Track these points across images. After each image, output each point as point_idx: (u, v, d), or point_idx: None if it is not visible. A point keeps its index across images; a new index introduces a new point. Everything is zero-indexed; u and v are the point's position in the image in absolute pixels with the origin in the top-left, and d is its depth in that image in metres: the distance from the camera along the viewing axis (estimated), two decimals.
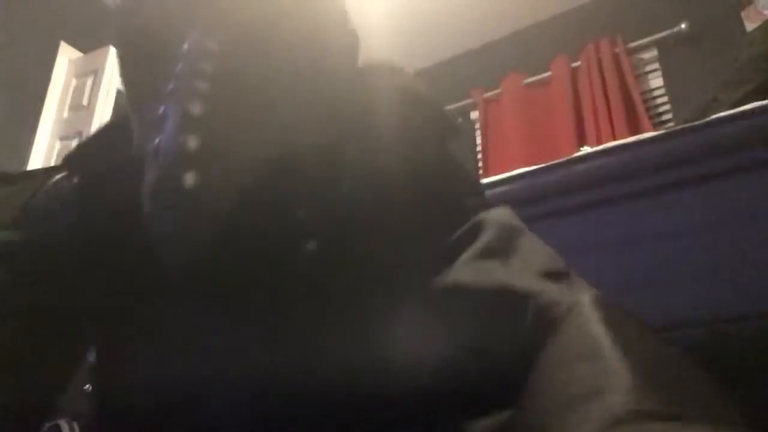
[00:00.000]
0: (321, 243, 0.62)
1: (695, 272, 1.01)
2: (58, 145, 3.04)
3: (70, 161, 0.75)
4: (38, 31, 3.08)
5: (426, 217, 0.64)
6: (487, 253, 0.58)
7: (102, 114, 3.02)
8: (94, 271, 0.67)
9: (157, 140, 0.55)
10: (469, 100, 3.67)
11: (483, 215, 0.62)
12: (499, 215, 0.63)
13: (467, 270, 0.57)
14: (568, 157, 1.25)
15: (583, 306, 0.48)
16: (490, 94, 3.59)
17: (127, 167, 0.61)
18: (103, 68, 3.09)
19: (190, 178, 0.53)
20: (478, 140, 3.60)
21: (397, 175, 0.67)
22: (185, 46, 0.58)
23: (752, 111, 1.11)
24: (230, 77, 0.58)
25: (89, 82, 3.12)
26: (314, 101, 0.64)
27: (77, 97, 3.13)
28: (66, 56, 3.21)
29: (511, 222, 0.62)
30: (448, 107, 3.68)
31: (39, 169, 0.85)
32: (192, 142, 0.54)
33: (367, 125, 0.68)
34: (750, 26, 2.79)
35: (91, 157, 0.74)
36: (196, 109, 0.55)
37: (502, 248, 0.58)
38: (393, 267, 0.63)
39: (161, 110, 0.56)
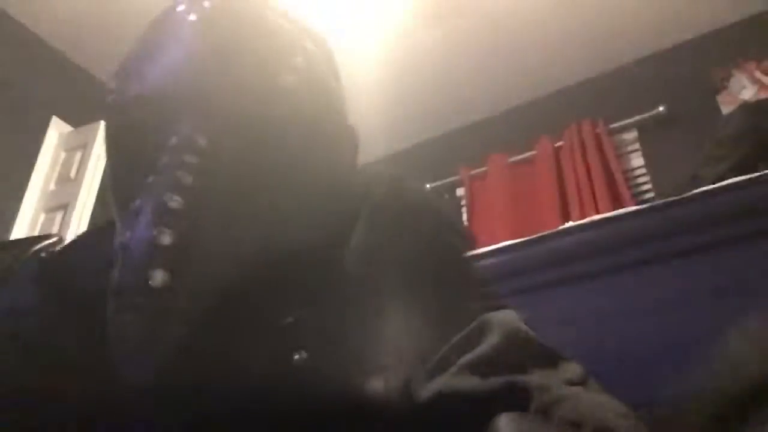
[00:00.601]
0: (311, 354, 0.55)
1: (678, 346, 0.99)
2: (42, 216, 3.03)
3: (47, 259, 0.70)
4: (30, 106, 3.12)
5: (428, 320, 0.60)
6: (487, 361, 0.54)
7: (89, 187, 3.02)
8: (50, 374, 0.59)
9: (128, 234, 0.51)
10: (455, 177, 3.72)
11: (489, 316, 0.59)
12: (505, 318, 0.60)
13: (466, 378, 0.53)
14: (552, 231, 1.25)
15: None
16: (476, 171, 3.65)
17: (99, 267, 0.56)
18: (93, 142, 3.11)
19: (158, 276, 0.49)
20: (464, 217, 3.63)
21: (407, 283, 0.63)
22: (173, 140, 0.55)
23: (731, 186, 1.12)
24: (216, 173, 0.55)
25: (78, 155, 3.13)
26: (308, 200, 0.61)
27: (65, 170, 3.13)
28: (57, 130, 3.24)
29: (516, 326, 0.59)
30: (434, 184, 3.73)
31: (20, 239, 0.82)
32: (165, 238, 0.50)
33: (371, 229, 0.65)
34: (725, 109, 2.90)
35: (70, 255, 0.70)
36: (174, 202, 0.52)
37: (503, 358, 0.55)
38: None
39: (137, 203, 0.52)
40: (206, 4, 0.62)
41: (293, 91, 0.60)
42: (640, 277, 1.10)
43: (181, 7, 0.62)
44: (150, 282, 0.48)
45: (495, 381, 0.52)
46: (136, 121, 0.59)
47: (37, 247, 0.91)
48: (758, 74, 2.99)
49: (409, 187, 0.74)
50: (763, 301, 0.96)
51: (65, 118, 3.28)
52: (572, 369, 0.57)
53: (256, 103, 0.59)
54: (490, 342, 0.56)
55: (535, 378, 0.54)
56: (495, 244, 1.32)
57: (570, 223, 1.36)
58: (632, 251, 1.12)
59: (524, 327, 0.60)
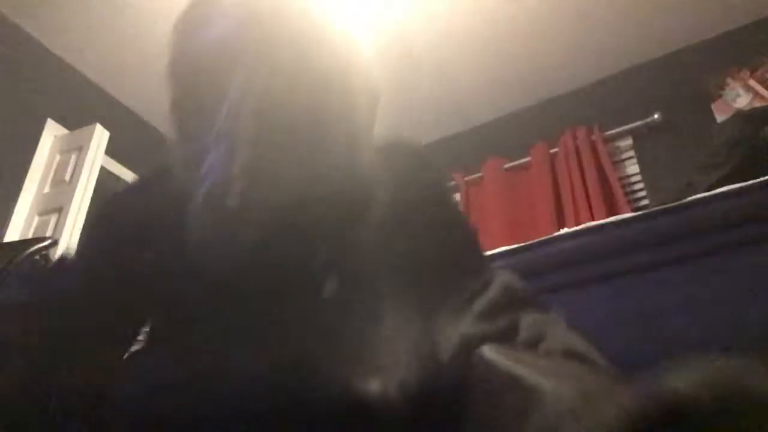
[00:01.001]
0: (340, 280, 0.68)
1: (672, 353, 0.99)
2: (36, 219, 3.01)
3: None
4: (25, 108, 3.11)
5: (443, 276, 0.72)
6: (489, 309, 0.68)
7: (84, 190, 3.01)
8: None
9: (207, 166, 0.65)
10: (451, 183, 3.72)
11: (493, 274, 0.73)
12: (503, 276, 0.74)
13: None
14: (547, 237, 1.25)
15: None
16: (471, 177, 3.66)
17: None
18: (87, 145, 3.10)
19: (233, 200, 0.62)
20: None
21: (428, 234, 0.76)
22: (233, 89, 0.67)
23: (726, 194, 1.13)
24: (271, 117, 0.67)
25: (73, 158, 3.12)
26: (342, 141, 0.72)
27: (60, 173, 3.12)
28: (51, 132, 3.23)
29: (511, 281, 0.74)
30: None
31: (14, 241, 0.89)
32: (237, 170, 0.63)
33: (396, 180, 0.76)
34: (720, 117, 2.91)
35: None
36: (242, 144, 0.65)
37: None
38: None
39: (212, 143, 0.66)
40: None
41: (335, 53, 0.75)
42: (635, 283, 1.10)
43: None
44: (227, 204, 0.62)
45: (499, 322, 0.66)
46: (204, 64, 0.73)
47: (31, 249, 0.97)
48: (752, 83, 3.01)
49: (427, 173, 0.87)
50: (759, 308, 0.96)
51: (60, 121, 3.27)
52: (553, 316, 0.75)
53: (298, 50, 0.71)
54: (490, 293, 0.69)
55: (525, 319, 0.69)
56: (490, 250, 1.32)
57: (565, 230, 1.36)
58: (627, 258, 1.13)
59: (518, 282, 0.75)
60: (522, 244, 1.27)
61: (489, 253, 1.29)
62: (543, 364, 0.60)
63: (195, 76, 0.75)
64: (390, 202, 0.74)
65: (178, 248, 0.67)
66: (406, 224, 0.75)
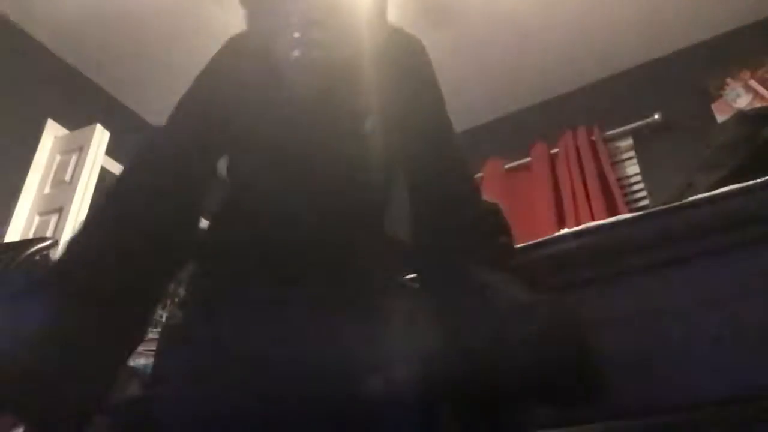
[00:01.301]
0: (376, 121, 1.00)
1: (672, 354, 0.99)
2: (37, 219, 3.01)
3: None
4: (26, 108, 3.12)
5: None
6: None
7: (84, 190, 3.01)
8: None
9: (296, 34, 0.97)
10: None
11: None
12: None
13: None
14: (547, 237, 1.25)
15: None
16: None
17: None
18: (88, 145, 3.10)
19: (316, 53, 0.98)
20: None
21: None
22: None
23: (727, 194, 1.13)
24: (330, 11, 1.00)
25: (73, 158, 3.12)
26: (373, 27, 1.08)
27: (60, 173, 3.12)
28: (52, 133, 3.24)
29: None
30: None
31: (15, 242, 0.93)
32: (317, 35, 0.97)
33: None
34: (720, 117, 2.91)
35: None
36: (317, 16, 0.98)
37: None
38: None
39: (294, 18, 0.98)
40: None
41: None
42: (636, 284, 1.10)
43: None
44: (313, 53, 0.98)
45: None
46: None
47: (32, 249, 1.02)
48: (753, 83, 3.01)
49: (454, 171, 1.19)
50: (759, 308, 0.96)
51: (61, 121, 3.27)
52: None
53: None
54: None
55: None
56: None
57: (565, 230, 1.36)
58: (628, 258, 1.12)
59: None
60: (522, 244, 1.27)
61: None
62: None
63: None
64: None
65: (265, 86, 1.01)
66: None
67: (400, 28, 1.17)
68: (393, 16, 1.22)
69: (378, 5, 1.11)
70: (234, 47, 1.11)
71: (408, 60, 1.12)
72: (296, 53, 0.97)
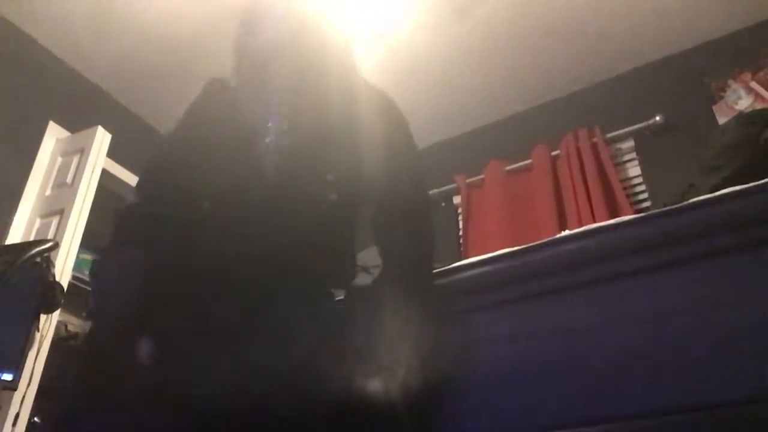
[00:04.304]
0: (339, 196, 1.16)
1: (675, 354, 0.99)
2: (38, 222, 3.01)
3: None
4: (27, 111, 3.12)
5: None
6: None
7: (85, 193, 3.01)
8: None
9: (269, 123, 1.15)
10: (452, 185, 3.72)
11: None
12: None
13: None
14: (549, 239, 1.25)
15: None
16: (472, 179, 3.65)
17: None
18: (89, 147, 3.10)
19: (284, 142, 1.13)
20: (461, 224, 3.63)
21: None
22: (278, 72, 1.19)
23: (728, 196, 1.12)
24: (300, 90, 1.17)
25: (75, 160, 3.12)
26: (343, 105, 1.20)
27: (61, 176, 3.12)
28: (53, 135, 3.24)
29: None
30: (431, 192, 3.73)
31: (16, 244, 1.02)
32: (285, 125, 1.14)
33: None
34: (721, 119, 2.91)
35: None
36: (285, 109, 1.15)
37: None
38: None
39: (269, 108, 1.16)
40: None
41: (330, 47, 1.23)
42: (637, 286, 1.09)
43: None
44: (283, 144, 1.13)
45: None
46: (257, 56, 1.22)
47: (33, 251, 1.11)
48: (754, 84, 3.01)
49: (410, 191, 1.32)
50: (761, 309, 0.96)
51: (62, 123, 3.27)
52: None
53: (314, 53, 1.22)
54: None
55: None
56: (491, 252, 1.32)
57: (567, 232, 1.36)
58: (629, 260, 1.12)
59: None
60: (524, 246, 1.26)
61: (490, 255, 1.29)
62: None
63: (253, 56, 1.21)
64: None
65: (238, 147, 1.16)
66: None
67: (370, 86, 1.32)
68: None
69: (350, 79, 1.26)
70: (217, 97, 1.26)
71: (378, 120, 1.28)
72: (267, 140, 1.13)
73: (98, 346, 1.04)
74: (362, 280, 1.51)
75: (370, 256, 2.34)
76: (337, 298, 1.25)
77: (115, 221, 1.19)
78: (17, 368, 2.18)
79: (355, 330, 1.09)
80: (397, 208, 1.28)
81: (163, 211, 1.14)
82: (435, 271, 1.29)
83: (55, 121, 3.25)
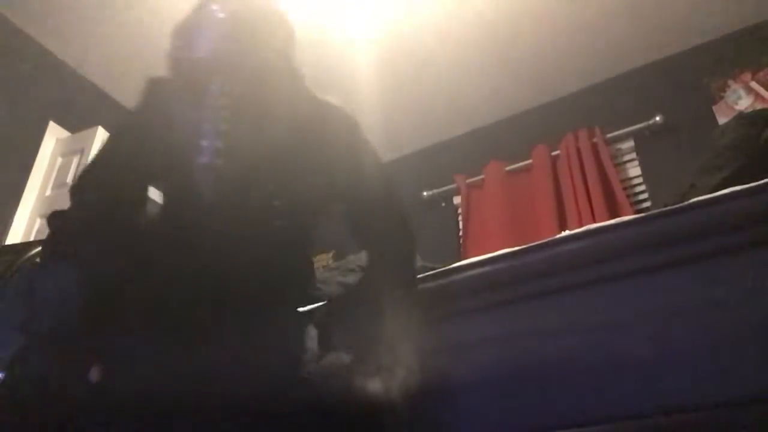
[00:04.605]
0: (284, 222, 1.12)
1: (676, 355, 0.99)
2: (38, 222, 3.01)
3: None
4: (27, 111, 3.12)
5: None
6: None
7: None
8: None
9: (203, 143, 1.07)
10: (452, 186, 3.72)
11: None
12: None
13: None
14: (549, 239, 1.25)
15: None
16: (473, 180, 3.65)
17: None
18: (90, 147, 3.09)
19: (219, 162, 1.06)
20: (461, 224, 3.63)
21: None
22: (215, 89, 1.09)
23: (729, 196, 1.13)
24: (239, 107, 1.09)
25: (75, 160, 3.12)
26: (280, 124, 1.12)
27: (62, 176, 3.12)
28: (54, 135, 3.23)
29: None
30: (431, 192, 3.73)
31: (16, 244, 1.00)
32: (220, 144, 1.07)
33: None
34: (722, 119, 2.91)
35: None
36: (223, 127, 1.07)
37: None
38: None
39: (205, 126, 1.08)
40: (230, 7, 1.16)
41: (272, 63, 1.16)
42: (638, 286, 1.09)
43: (215, 6, 1.16)
44: (216, 163, 1.06)
45: None
46: (193, 72, 1.12)
47: (33, 252, 1.09)
48: (754, 84, 3.01)
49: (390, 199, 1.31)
50: (762, 310, 0.96)
51: (62, 123, 3.27)
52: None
53: (255, 69, 1.13)
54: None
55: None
56: (491, 252, 1.32)
57: (567, 232, 1.36)
58: (629, 260, 1.12)
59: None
60: (524, 246, 1.26)
61: (490, 255, 1.29)
62: None
63: (188, 72, 1.13)
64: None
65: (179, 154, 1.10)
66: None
67: (317, 98, 1.26)
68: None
69: (296, 94, 1.21)
70: (155, 103, 1.19)
71: (324, 132, 1.21)
72: (202, 160, 1.07)
73: (30, 371, 0.98)
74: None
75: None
76: (303, 309, 1.26)
77: (50, 232, 1.15)
78: None
79: (337, 332, 1.11)
80: (368, 219, 1.26)
81: (100, 222, 1.10)
82: (417, 270, 1.30)
83: (55, 121, 3.25)
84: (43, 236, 2.89)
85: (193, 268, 1.05)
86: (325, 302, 1.30)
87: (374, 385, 0.95)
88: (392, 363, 1.01)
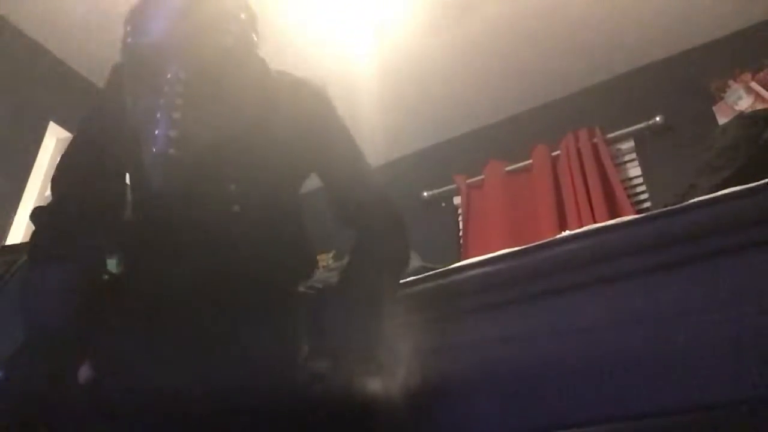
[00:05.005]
0: (242, 207, 1.07)
1: (675, 356, 0.99)
2: None
3: None
4: (28, 111, 3.11)
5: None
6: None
7: None
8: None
9: (156, 131, 1.02)
10: (452, 186, 3.72)
11: None
12: None
13: None
14: (549, 240, 1.25)
15: None
16: (473, 180, 3.65)
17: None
18: None
19: (172, 151, 1.01)
20: (461, 225, 3.63)
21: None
22: (168, 75, 1.04)
23: (729, 196, 1.13)
24: (194, 94, 1.04)
25: None
26: (240, 109, 1.10)
27: None
28: (54, 136, 3.23)
29: None
30: (431, 192, 3.73)
31: (16, 244, 1.01)
32: (173, 133, 1.02)
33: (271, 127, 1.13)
34: (722, 120, 2.91)
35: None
36: (176, 115, 1.02)
37: None
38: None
39: (157, 114, 1.03)
40: None
41: (230, 47, 1.11)
42: (638, 286, 1.09)
43: None
44: (168, 153, 1.01)
45: None
46: (146, 58, 1.08)
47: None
48: (754, 85, 3.01)
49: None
50: (762, 310, 0.96)
51: (63, 124, 3.27)
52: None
53: (211, 54, 1.08)
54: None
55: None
56: (491, 252, 1.32)
57: (567, 232, 1.36)
58: (630, 261, 1.12)
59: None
60: (524, 246, 1.26)
61: (491, 255, 1.29)
62: None
63: (141, 58, 1.09)
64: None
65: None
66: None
67: (285, 75, 1.22)
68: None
69: (255, 76, 1.16)
70: (119, 83, 1.14)
71: (290, 108, 1.17)
72: (154, 149, 1.02)
73: (19, 373, 0.95)
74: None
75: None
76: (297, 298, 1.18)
77: (34, 229, 1.11)
78: None
79: (322, 326, 1.06)
80: (349, 200, 1.21)
81: (80, 219, 1.08)
82: (405, 246, 1.22)
83: (56, 122, 3.25)
84: None
85: (158, 267, 1.04)
86: (312, 294, 1.21)
87: (373, 386, 0.93)
88: (390, 361, 1.00)
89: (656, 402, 0.97)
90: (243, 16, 1.15)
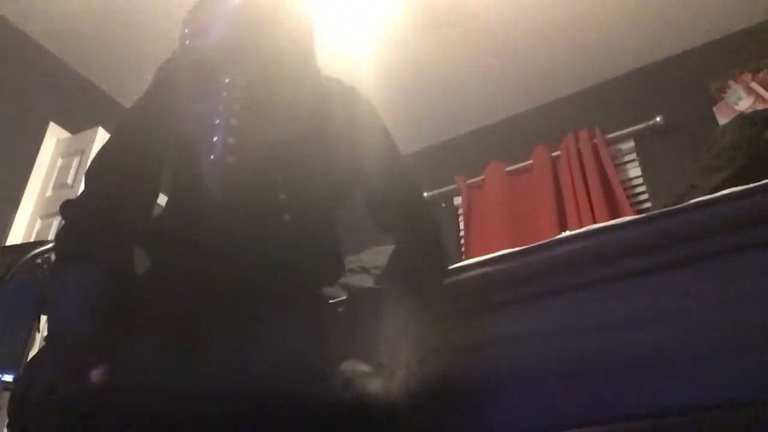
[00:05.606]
0: (291, 216, 1.07)
1: (674, 356, 0.98)
2: (38, 223, 3.01)
3: None
4: (28, 111, 3.12)
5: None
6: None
7: None
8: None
9: (214, 138, 1.03)
10: (452, 186, 3.72)
11: None
12: None
13: None
14: (549, 240, 1.25)
15: None
16: (473, 180, 3.65)
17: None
18: (90, 148, 3.10)
19: (230, 159, 1.02)
20: (461, 225, 3.63)
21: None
22: (227, 80, 1.05)
23: (729, 197, 1.12)
24: (252, 100, 1.06)
25: (75, 161, 3.13)
26: (294, 118, 1.09)
27: (62, 177, 3.12)
28: (54, 136, 3.24)
29: None
30: (431, 192, 3.73)
31: (16, 245, 0.98)
32: (231, 140, 1.03)
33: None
34: (722, 120, 2.91)
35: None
36: (234, 121, 1.04)
37: None
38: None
39: (216, 120, 1.04)
40: None
41: (288, 53, 1.12)
42: (638, 287, 1.09)
43: None
44: (226, 161, 1.02)
45: None
46: (204, 61, 1.08)
47: (33, 252, 1.07)
48: (754, 85, 3.01)
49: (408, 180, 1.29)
50: (762, 310, 0.96)
51: (63, 124, 3.27)
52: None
53: (269, 59, 1.09)
54: None
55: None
56: (492, 252, 1.32)
57: (567, 233, 1.36)
58: (630, 261, 1.12)
59: None
60: (524, 247, 1.26)
61: (491, 256, 1.29)
62: None
63: (199, 61, 1.09)
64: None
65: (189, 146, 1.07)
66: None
67: (334, 82, 1.22)
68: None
69: (310, 83, 1.16)
70: (173, 81, 1.13)
71: (342, 115, 1.17)
72: (212, 156, 1.02)
73: (39, 374, 0.89)
74: (362, 280, 1.50)
75: (370, 256, 2.34)
76: (334, 300, 1.21)
77: (63, 224, 1.08)
78: (17, 369, 2.17)
79: (357, 329, 1.04)
80: (394, 207, 1.23)
81: (110, 216, 1.04)
82: (446, 267, 1.25)
83: (56, 122, 3.25)
84: (43, 237, 2.89)
85: (197, 269, 1.02)
86: (345, 297, 1.22)
87: (394, 388, 0.91)
88: (412, 363, 0.97)
89: (657, 402, 0.97)
90: (302, 22, 1.16)
